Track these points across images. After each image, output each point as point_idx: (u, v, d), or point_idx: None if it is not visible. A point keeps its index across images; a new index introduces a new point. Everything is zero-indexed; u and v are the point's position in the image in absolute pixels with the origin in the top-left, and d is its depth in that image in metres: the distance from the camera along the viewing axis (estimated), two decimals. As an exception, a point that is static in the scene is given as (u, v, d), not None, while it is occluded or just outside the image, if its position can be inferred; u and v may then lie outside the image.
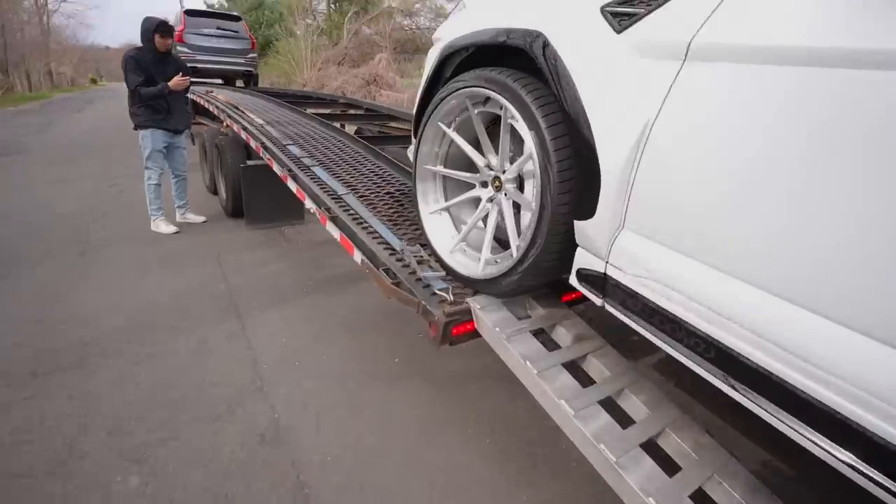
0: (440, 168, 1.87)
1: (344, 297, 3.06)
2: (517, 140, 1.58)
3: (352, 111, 6.33)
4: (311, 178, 2.63)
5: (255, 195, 4.28)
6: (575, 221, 1.35)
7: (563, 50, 1.28)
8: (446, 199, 1.91)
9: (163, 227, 4.09)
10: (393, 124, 5.53)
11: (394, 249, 1.96)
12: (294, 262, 3.62)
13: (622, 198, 1.20)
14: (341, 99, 7.22)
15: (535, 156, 1.38)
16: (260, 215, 4.37)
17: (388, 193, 2.54)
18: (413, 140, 2.19)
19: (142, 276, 3.22)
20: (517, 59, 1.53)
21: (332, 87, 15.31)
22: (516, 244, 1.56)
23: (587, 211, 1.29)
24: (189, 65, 8.11)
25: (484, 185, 1.75)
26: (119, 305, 2.79)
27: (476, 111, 1.64)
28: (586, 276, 1.38)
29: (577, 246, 1.40)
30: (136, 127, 3.86)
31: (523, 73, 1.47)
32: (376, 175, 2.85)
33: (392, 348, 2.48)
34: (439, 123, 1.77)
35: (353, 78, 16.13)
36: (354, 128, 5.72)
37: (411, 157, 2.24)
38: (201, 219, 4.44)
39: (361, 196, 2.46)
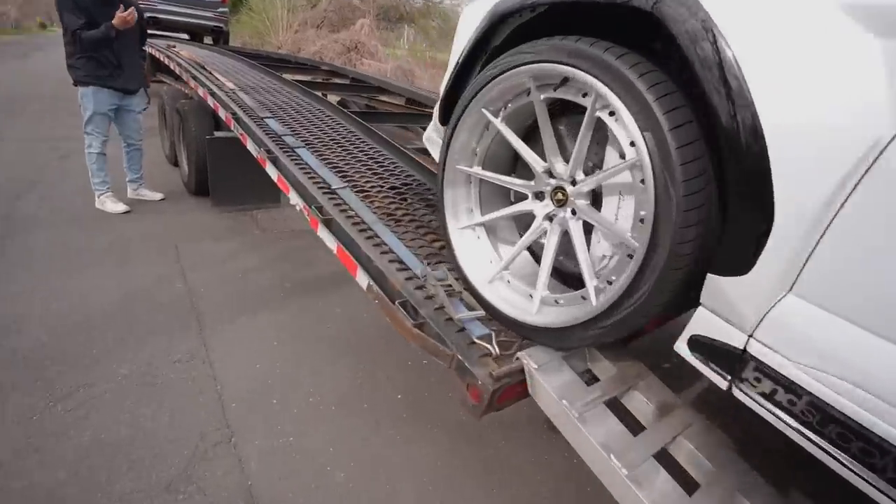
0: (478, 170, 1.42)
1: (331, 303, 2.58)
2: (594, 141, 1.16)
3: (336, 80, 5.69)
4: (297, 164, 2.12)
5: (223, 172, 3.69)
6: (709, 275, 0.94)
7: (721, 16, 0.84)
8: (483, 212, 1.46)
9: (110, 205, 3.45)
10: (383, 98, 4.96)
11: (410, 271, 1.51)
12: (269, 255, 3.10)
13: (803, 248, 0.79)
14: (323, 65, 6.52)
15: (647, 167, 0.96)
16: (229, 195, 3.79)
17: (393, 189, 2.06)
18: (434, 127, 1.72)
19: (77, 270, 2.63)
20: (605, 27, 1.09)
21: (309, 52, 14.26)
22: (594, 284, 1.14)
23: (735, 261, 0.88)
24: (149, 15, 7.21)
25: (538, 196, 1.32)
26: (43, 313, 2.22)
27: (542, 96, 1.19)
28: (708, 348, 0.98)
29: (696, 303, 0.99)
30: (76, 83, 3.18)
31: (627, 49, 1.02)
32: (375, 162, 2.35)
33: (394, 378, 2.04)
34: (484, 111, 1.31)
35: (332, 43, 15.09)
36: (337, 99, 5.11)
37: (432, 148, 1.77)
38: (158, 196, 3.82)
39: (361, 191, 1.97)
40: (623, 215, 1.17)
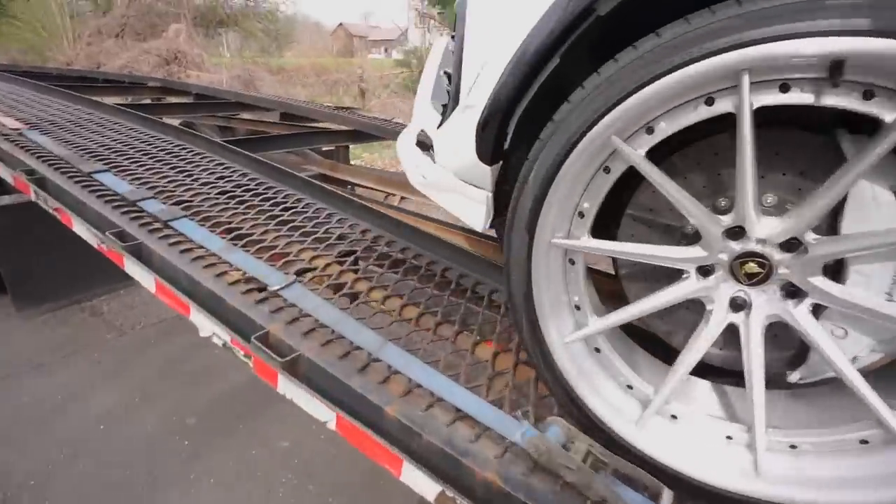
0: (589, 241, 0.80)
1: (269, 436, 1.71)
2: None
3: (173, 99, 4.39)
4: (186, 252, 1.24)
5: (24, 254, 2.43)
6: None
7: None
8: (595, 308, 0.86)
9: None
10: (246, 115, 3.93)
11: (495, 433, 0.84)
12: (143, 374, 2.04)
13: None
14: (151, 81, 5.03)
15: None
16: (43, 287, 2.53)
17: (359, 260, 1.32)
18: (447, 166, 1.03)
19: None
20: None
21: (114, 67, 11.62)
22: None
23: None
24: None
25: (704, 272, 0.77)
26: None
27: (757, 104, 0.64)
28: None
29: None
30: None
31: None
32: (306, 217, 1.56)
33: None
34: (616, 141, 0.71)
35: (143, 55, 12.59)
36: (177, 123, 3.90)
37: (441, 198, 1.08)
38: None
39: (318, 280, 1.20)
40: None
